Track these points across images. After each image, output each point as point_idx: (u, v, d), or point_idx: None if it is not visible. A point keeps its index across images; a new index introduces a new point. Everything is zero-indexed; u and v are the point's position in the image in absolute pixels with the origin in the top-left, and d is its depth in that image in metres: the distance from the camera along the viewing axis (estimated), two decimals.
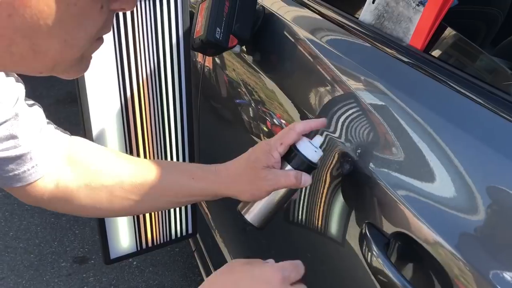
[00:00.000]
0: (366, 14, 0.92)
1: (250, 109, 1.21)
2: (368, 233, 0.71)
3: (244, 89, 1.25)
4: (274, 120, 1.10)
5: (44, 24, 0.46)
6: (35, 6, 0.45)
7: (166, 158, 1.24)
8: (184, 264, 2.09)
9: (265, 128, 1.14)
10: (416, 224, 0.65)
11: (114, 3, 0.52)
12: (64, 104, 3.20)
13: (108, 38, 1.03)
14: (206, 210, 1.65)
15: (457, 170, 0.63)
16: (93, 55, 0.56)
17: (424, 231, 0.63)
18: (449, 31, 0.83)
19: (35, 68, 0.51)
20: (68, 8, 0.46)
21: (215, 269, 1.58)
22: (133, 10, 1.05)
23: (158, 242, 1.36)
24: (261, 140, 1.15)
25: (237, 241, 1.40)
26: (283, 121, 1.06)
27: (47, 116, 0.78)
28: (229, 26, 1.09)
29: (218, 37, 1.08)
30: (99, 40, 0.55)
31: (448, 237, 0.60)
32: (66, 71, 0.53)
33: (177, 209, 1.31)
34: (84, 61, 0.54)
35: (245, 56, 1.23)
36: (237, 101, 1.30)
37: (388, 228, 0.70)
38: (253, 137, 1.20)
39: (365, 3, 0.94)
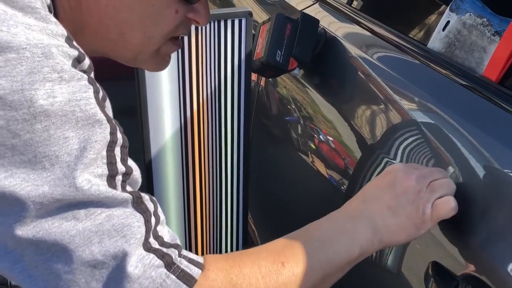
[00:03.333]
0: (435, 41, 0.89)
1: (305, 132, 1.19)
2: (435, 273, 0.67)
3: (300, 112, 1.23)
4: (327, 142, 1.07)
5: (129, 17, 0.61)
6: (124, 2, 0.60)
7: (221, 179, 1.23)
8: None
9: (318, 150, 1.12)
10: (488, 267, 0.62)
11: (190, 13, 0.65)
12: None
13: (172, 57, 1.04)
14: (253, 227, 1.64)
15: None
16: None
17: (498, 276, 0.60)
18: None
19: (125, 55, 0.65)
20: (147, 8, 0.60)
21: None
22: (197, 30, 1.05)
23: None
24: (311, 161, 1.13)
25: None
26: (336, 142, 1.04)
27: None
28: (290, 48, 1.08)
29: (279, 60, 1.07)
30: (176, 42, 0.68)
31: None
32: (146, 62, 0.67)
33: (229, 232, 1.30)
34: (161, 57, 0.67)
35: (303, 79, 1.22)
36: (290, 120, 1.29)
37: (457, 269, 0.66)
38: (305, 158, 1.17)
39: (426, 25, 0.91)
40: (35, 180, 0.46)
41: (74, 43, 0.51)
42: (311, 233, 0.65)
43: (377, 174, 0.86)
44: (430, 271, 0.68)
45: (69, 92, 0.48)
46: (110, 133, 0.51)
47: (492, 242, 0.62)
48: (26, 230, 0.47)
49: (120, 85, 1.12)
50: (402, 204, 0.65)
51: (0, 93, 0.44)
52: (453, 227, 0.67)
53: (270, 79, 1.40)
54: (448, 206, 0.64)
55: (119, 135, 0.52)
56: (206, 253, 1.33)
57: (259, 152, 1.47)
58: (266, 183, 1.52)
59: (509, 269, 0.58)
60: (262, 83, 1.48)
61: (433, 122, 0.80)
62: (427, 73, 0.88)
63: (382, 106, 0.93)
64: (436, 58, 0.88)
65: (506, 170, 0.65)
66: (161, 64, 0.69)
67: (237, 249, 1.35)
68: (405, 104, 0.86)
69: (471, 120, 0.75)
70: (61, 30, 0.50)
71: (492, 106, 0.73)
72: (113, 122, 0.52)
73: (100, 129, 0.50)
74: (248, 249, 0.64)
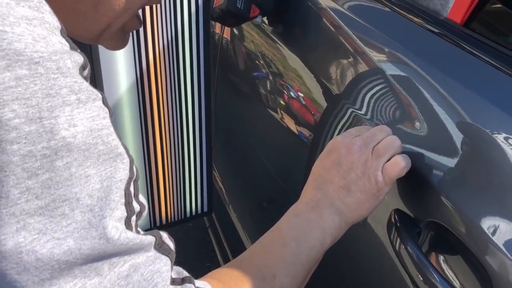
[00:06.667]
0: None
1: (269, 82, 1.16)
2: (398, 221, 0.66)
3: (263, 62, 1.20)
4: (292, 94, 1.05)
5: None
6: None
7: (182, 130, 1.19)
8: (197, 240, 2.07)
9: (283, 103, 1.09)
10: (451, 213, 0.61)
11: None
12: None
13: None
14: (221, 185, 1.62)
15: (498, 152, 0.58)
16: None
17: (461, 222, 0.59)
18: (492, 4, 0.76)
19: (91, 30, 0.55)
20: None
21: (229, 245, 1.56)
22: None
23: (173, 220, 1.33)
24: (277, 114, 1.11)
25: (251, 217, 1.37)
26: (301, 94, 1.01)
27: None
28: None
29: (239, 7, 1.02)
30: (139, 18, 0.61)
31: (487, 229, 0.55)
32: (111, 38, 0.58)
33: (193, 186, 1.27)
34: (124, 33, 0.60)
35: (266, 27, 1.18)
36: (256, 74, 1.25)
37: (419, 216, 0.65)
38: (271, 111, 1.15)
39: None
40: (54, 232, 0.38)
41: (68, 37, 0.42)
42: (285, 235, 0.63)
43: (345, 127, 0.84)
44: (393, 219, 0.67)
45: (88, 118, 0.39)
46: (130, 168, 0.43)
47: (455, 189, 0.61)
48: None
49: None
50: (353, 180, 0.65)
51: (15, 122, 0.35)
52: (416, 175, 0.66)
53: (236, 30, 1.35)
54: (398, 166, 0.64)
55: (134, 168, 0.44)
56: (170, 213, 1.31)
57: (222, 105, 1.44)
58: (233, 140, 1.50)
59: (471, 215, 0.57)
60: (226, 35, 1.43)
61: (398, 68, 0.78)
62: (391, 17, 0.85)
63: (344, 54, 0.90)
64: (400, 2, 0.85)
65: (470, 115, 0.64)
66: (123, 41, 0.62)
67: (202, 206, 1.33)
68: (370, 51, 0.84)
69: (435, 64, 0.72)
70: (56, 21, 0.41)
71: (458, 49, 0.71)
72: (129, 153, 0.44)
73: (122, 165, 0.42)
74: (233, 265, 0.61)
